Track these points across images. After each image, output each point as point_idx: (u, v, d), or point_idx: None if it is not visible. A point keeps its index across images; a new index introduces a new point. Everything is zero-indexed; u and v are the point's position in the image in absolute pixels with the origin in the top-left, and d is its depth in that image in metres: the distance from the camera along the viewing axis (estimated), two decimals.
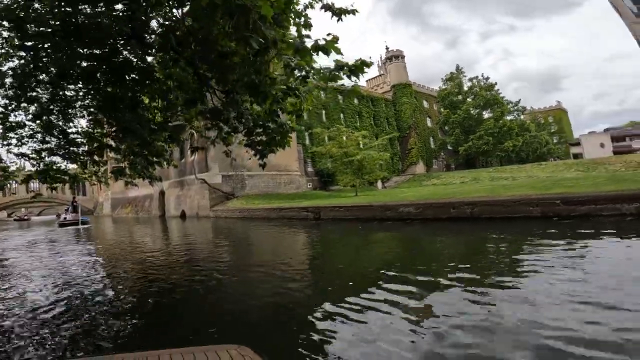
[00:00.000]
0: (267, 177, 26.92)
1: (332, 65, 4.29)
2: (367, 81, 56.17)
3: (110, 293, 5.21)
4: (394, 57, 50.97)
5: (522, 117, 55.63)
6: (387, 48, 53.11)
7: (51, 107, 6.49)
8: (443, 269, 4.84)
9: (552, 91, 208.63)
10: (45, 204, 64.41)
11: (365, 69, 4.06)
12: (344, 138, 24.62)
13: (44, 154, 7.45)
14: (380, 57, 60.08)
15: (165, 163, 9.66)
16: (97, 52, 5.16)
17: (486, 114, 48.99)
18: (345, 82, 4.37)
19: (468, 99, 48.20)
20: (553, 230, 6.72)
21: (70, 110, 6.84)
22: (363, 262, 6.31)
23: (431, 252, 6.56)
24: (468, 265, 4.93)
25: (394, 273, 4.87)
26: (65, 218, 25.71)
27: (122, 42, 5.15)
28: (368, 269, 5.52)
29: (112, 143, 8.71)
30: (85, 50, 5.05)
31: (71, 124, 7.56)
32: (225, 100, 6.46)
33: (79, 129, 8.66)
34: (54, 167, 7.90)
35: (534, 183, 15.56)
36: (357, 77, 4.14)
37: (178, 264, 7.57)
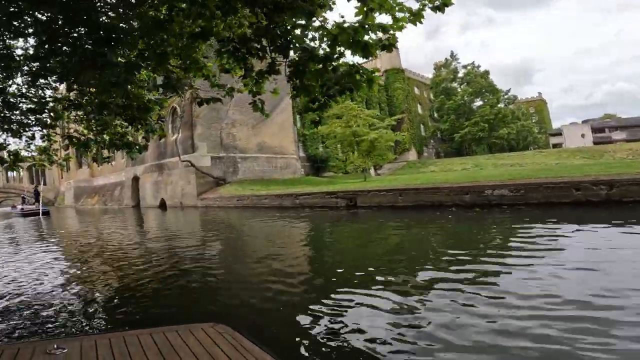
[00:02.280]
0: (262, 160, 23.52)
1: None
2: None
3: None
4: None
5: (511, 106, 55.17)
6: None
7: None
8: None
9: (525, 84, 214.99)
10: (1, 194, 57.27)
11: None
12: (353, 116, 21.69)
13: None
14: None
15: (148, 130, 6.60)
16: None
17: (477, 102, 47.90)
18: None
19: (463, 86, 46.69)
20: None
21: (12, 63, 4.97)
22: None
23: None
24: None
25: None
26: (22, 208, 24.78)
27: None
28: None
29: (71, 96, 5.98)
30: None
31: (11, 82, 5.75)
32: (270, 19, 3.71)
33: (23, 87, 6.05)
34: None
35: (581, 167, 13.28)
36: None
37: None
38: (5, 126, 6.76)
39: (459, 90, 46.52)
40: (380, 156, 22.47)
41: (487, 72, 46.84)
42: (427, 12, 3.34)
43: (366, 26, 3.47)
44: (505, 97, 51.42)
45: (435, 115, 52.09)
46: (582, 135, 69.04)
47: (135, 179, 26.64)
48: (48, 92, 7.21)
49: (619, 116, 79.63)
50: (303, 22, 3.83)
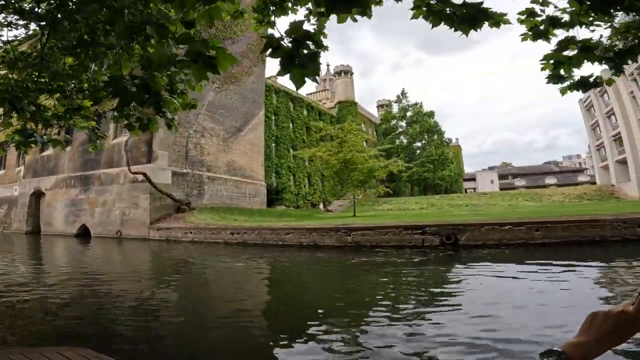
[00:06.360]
0: (230, 184, 18.88)
1: None
2: (308, 94, 52.08)
3: None
4: (343, 72, 48.37)
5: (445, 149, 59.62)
6: (327, 65, 50.64)
7: None
8: None
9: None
10: None
11: None
12: (349, 140, 19.03)
13: None
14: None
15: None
16: None
17: (418, 143, 50.18)
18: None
19: (413, 125, 48.59)
20: None
21: None
22: None
23: None
24: None
25: None
26: None
27: None
28: None
29: None
30: None
31: None
32: None
33: None
34: None
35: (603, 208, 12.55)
36: None
37: None
38: None
39: (407, 128, 48.13)
40: (370, 187, 20.03)
41: (432, 112, 49.69)
42: None
43: None
44: (444, 139, 55.33)
45: (381, 153, 52.88)
46: (492, 181, 78.14)
47: (37, 195, 18.97)
48: None
49: (513, 164, 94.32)
50: None
